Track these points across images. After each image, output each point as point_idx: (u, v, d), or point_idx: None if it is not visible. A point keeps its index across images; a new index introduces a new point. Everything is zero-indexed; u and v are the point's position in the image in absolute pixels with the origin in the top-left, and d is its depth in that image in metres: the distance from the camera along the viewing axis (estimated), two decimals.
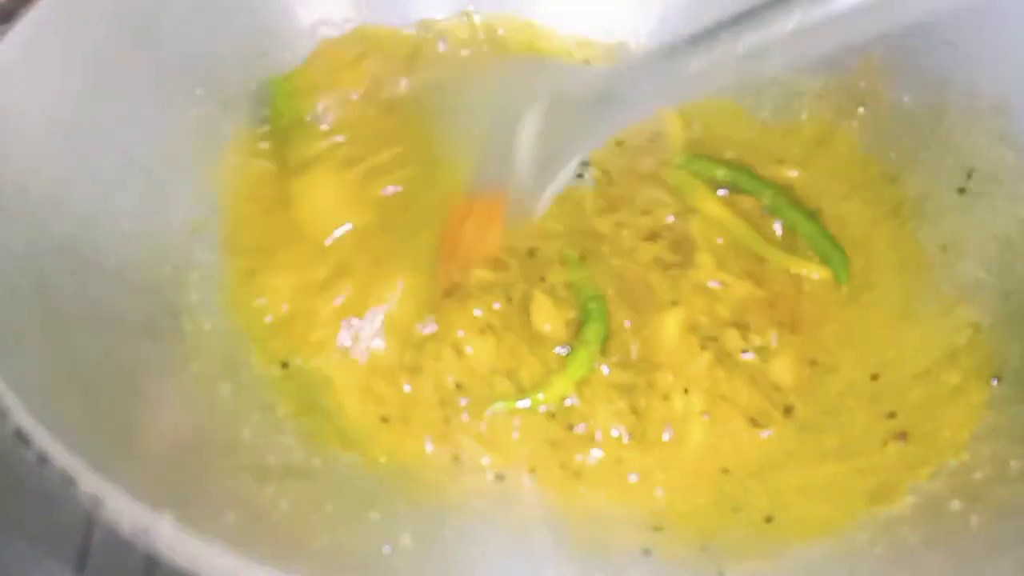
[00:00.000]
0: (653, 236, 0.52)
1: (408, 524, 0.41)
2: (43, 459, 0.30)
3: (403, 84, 0.54)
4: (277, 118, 0.54)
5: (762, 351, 0.48)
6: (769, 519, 0.42)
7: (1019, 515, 0.38)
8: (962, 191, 0.50)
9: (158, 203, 0.47)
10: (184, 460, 0.38)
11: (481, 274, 0.49)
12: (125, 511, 0.29)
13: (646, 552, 0.41)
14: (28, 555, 0.39)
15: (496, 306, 0.48)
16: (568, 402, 0.46)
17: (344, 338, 0.47)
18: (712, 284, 0.50)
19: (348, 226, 0.50)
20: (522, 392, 0.46)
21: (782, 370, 0.48)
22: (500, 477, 0.44)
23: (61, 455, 0.30)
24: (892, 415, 0.45)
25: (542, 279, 0.50)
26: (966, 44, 0.49)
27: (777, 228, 0.54)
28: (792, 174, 0.55)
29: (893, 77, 0.50)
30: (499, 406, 0.46)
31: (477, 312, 0.48)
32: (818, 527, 0.41)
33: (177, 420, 0.40)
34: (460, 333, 0.47)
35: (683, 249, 0.51)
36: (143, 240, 0.45)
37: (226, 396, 0.43)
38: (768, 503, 0.43)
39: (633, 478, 0.45)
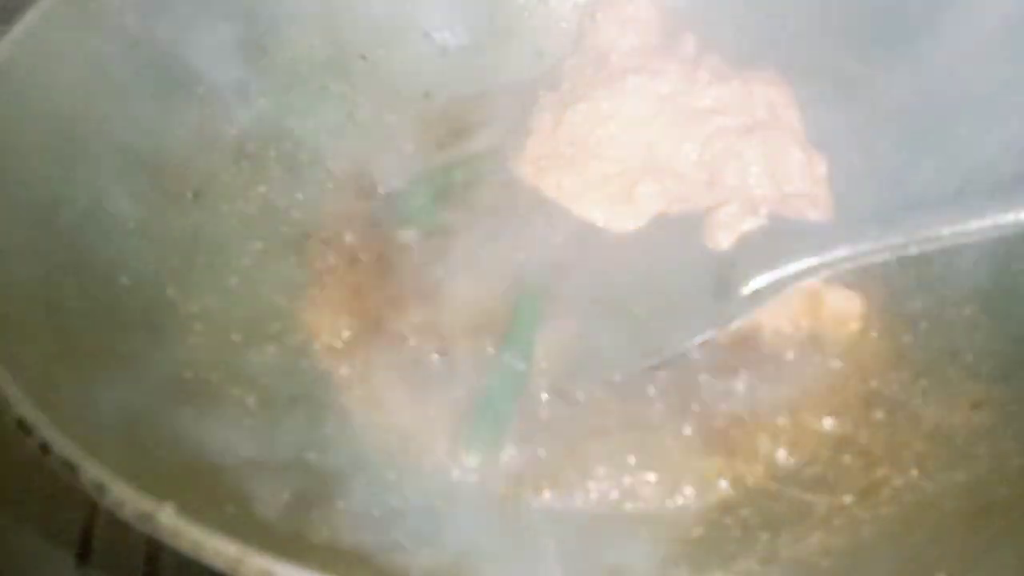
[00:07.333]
0: None
1: (408, 520, 0.41)
2: (45, 448, 0.30)
3: None
4: None
5: None
6: None
7: (1018, 511, 0.38)
8: (961, 192, 0.50)
9: (158, 200, 0.47)
10: (184, 453, 0.38)
11: None
12: (127, 500, 0.29)
13: None
14: (32, 544, 0.39)
15: None
16: None
17: None
18: None
19: None
20: None
21: None
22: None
23: (63, 444, 0.30)
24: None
25: None
26: (966, 44, 0.49)
27: None
28: None
29: (893, 77, 0.50)
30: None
31: None
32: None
33: (177, 412, 0.40)
34: None
35: None
36: (144, 236, 0.45)
37: (225, 390, 0.43)
38: None
39: None
